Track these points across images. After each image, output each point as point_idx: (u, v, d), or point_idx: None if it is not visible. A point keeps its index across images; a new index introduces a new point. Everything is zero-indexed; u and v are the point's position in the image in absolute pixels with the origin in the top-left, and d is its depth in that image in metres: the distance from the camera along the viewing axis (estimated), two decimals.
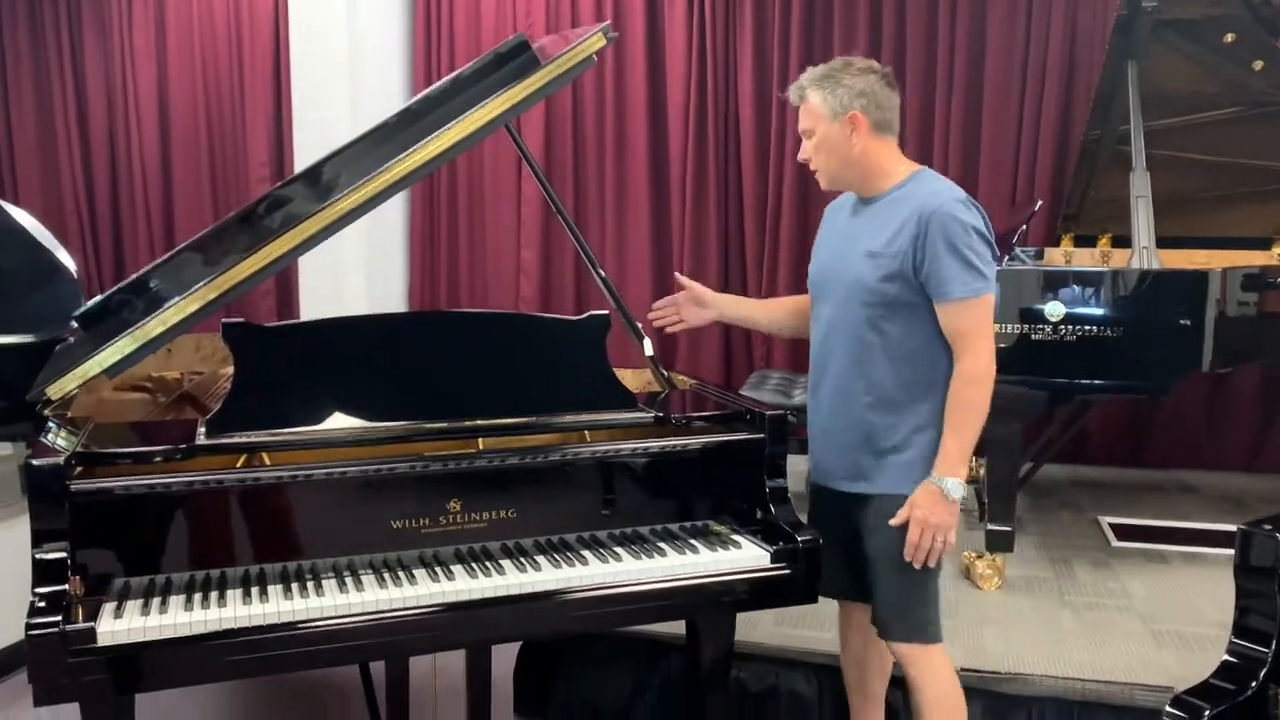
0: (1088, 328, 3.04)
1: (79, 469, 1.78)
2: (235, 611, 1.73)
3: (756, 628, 2.71)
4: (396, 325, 2.12)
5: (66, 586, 1.67)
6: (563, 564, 1.95)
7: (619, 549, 2.03)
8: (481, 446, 2.04)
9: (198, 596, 1.77)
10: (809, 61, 2.19)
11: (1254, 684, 1.76)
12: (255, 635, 1.71)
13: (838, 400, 2.13)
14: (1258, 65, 3.61)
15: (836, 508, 2.17)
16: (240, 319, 2.00)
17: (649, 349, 2.41)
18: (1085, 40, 4.59)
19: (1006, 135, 4.71)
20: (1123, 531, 3.73)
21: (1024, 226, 3.74)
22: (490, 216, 5.42)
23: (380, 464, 1.90)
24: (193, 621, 1.69)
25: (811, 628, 2.75)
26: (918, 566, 2.02)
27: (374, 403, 2.00)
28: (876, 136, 2.05)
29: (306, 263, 5.01)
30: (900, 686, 2.32)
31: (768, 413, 2.14)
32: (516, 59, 2.27)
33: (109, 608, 1.71)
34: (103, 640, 1.64)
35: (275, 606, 1.75)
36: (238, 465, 1.94)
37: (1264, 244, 4.09)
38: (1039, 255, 4.36)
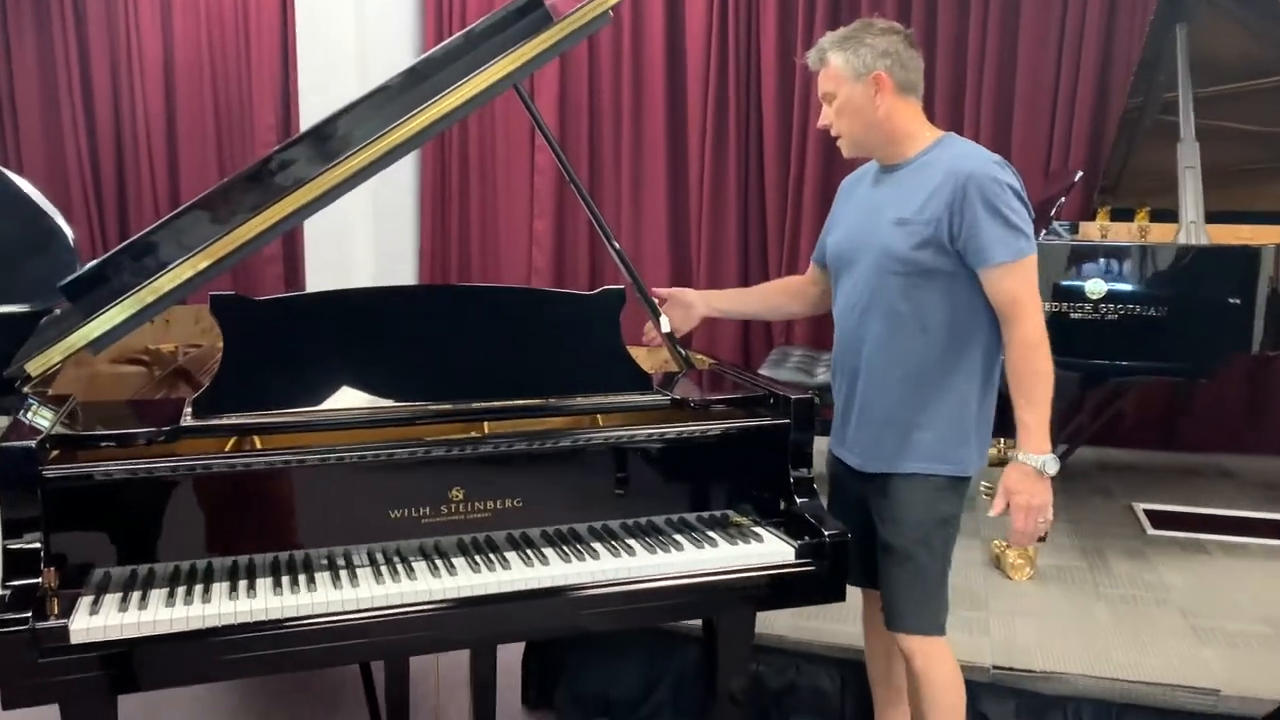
0: (1131, 306, 2.87)
1: (55, 452, 1.66)
2: (220, 608, 1.61)
3: (776, 620, 2.58)
4: (397, 300, 1.98)
5: (39, 580, 1.56)
6: (572, 557, 1.82)
7: (632, 541, 1.90)
8: (486, 431, 1.92)
9: (181, 590, 1.65)
10: (835, 26, 2.05)
11: None
12: (242, 634, 1.60)
13: (866, 375, 2.03)
14: None
15: (856, 490, 2.10)
16: (230, 292, 1.87)
17: (666, 326, 2.28)
18: (1126, 2, 4.37)
19: (1041, 103, 4.50)
20: (1158, 519, 3.57)
21: (1061, 199, 3.55)
22: (503, 185, 5.27)
23: (378, 449, 1.78)
24: (174, 619, 1.57)
25: (834, 620, 2.62)
26: (1020, 547, 1.91)
27: (372, 383, 1.87)
28: (901, 98, 1.96)
29: (313, 230, 4.90)
30: None
31: (793, 396, 2.00)
32: (531, 14, 2.17)
33: (85, 602, 1.60)
34: (76, 638, 1.52)
35: (263, 602, 1.63)
36: (225, 449, 1.82)
37: None
38: (1073, 229, 4.18)
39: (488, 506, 1.84)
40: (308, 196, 1.94)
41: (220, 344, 2.53)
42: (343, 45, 4.76)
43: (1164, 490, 3.94)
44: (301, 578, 1.71)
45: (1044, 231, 3.27)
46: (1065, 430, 3.74)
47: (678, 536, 1.93)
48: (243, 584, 1.68)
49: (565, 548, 1.86)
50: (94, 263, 2.26)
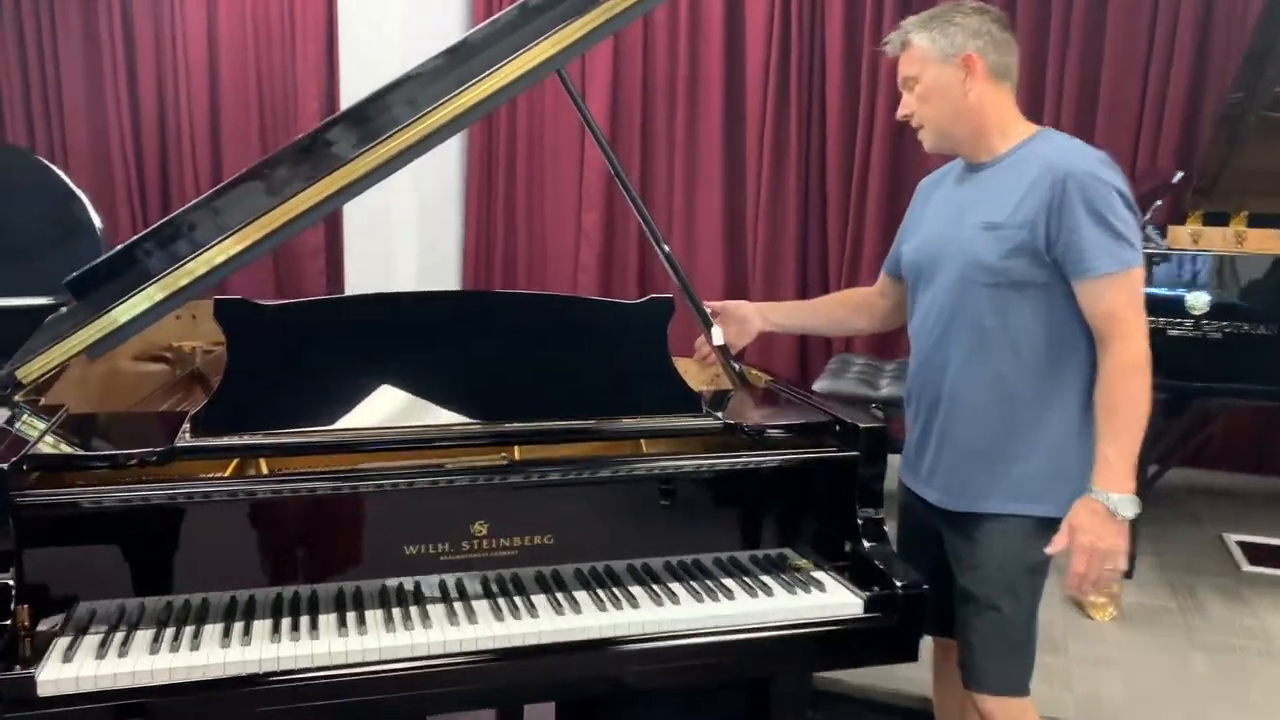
0: (1238, 324, 2.58)
1: (34, 475, 1.48)
2: (208, 657, 1.42)
3: None
4: (417, 307, 1.78)
5: (7, 622, 1.38)
6: (608, 604, 1.61)
7: (676, 586, 1.68)
8: (516, 457, 1.71)
9: (167, 634, 1.46)
10: (906, 11, 1.82)
11: None
12: (231, 689, 1.41)
13: (948, 401, 1.82)
14: None
15: (932, 526, 1.89)
16: (235, 296, 1.69)
17: (718, 338, 2.06)
18: None
19: (1129, 95, 4.16)
20: (1255, 553, 3.26)
21: (1158, 201, 3.25)
22: (550, 177, 5.07)
23: (395, 476, 1.58)
24: (155, 670, 1.39)
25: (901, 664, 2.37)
26: (1080, 598, 1.68)
27: (389, 401, 1.68)
28: (993, 84, 1.77)
29: (354, 221, 4.76)
30: None
31: (862, 424, 1.77)
32: None
33: (60, 646, 1.42)
34: (44, 690, 1.35)
35: (258, 652, 1.44)
36: (226, 473, 1.63)
37: None
38: (1161, 234, 3.86)
39: (514, 543, 1.64)
40: (349, 177, 1.80)
41: None
42: (387, 26, 4.61)
43: (1257, 519, 3.62)
44: (304, 621, 1.52)
45: None
46: (1154, 452, 3.44)
47: (728, 581, 1.71)
48: (237, 627, 1.50)
49: (600, 591, 1.64)
50: (106, 255, 2.09)
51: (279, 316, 1.69)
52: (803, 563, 1.77)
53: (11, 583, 1.40)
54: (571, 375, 1.78)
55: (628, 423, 1.78)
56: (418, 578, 1.60)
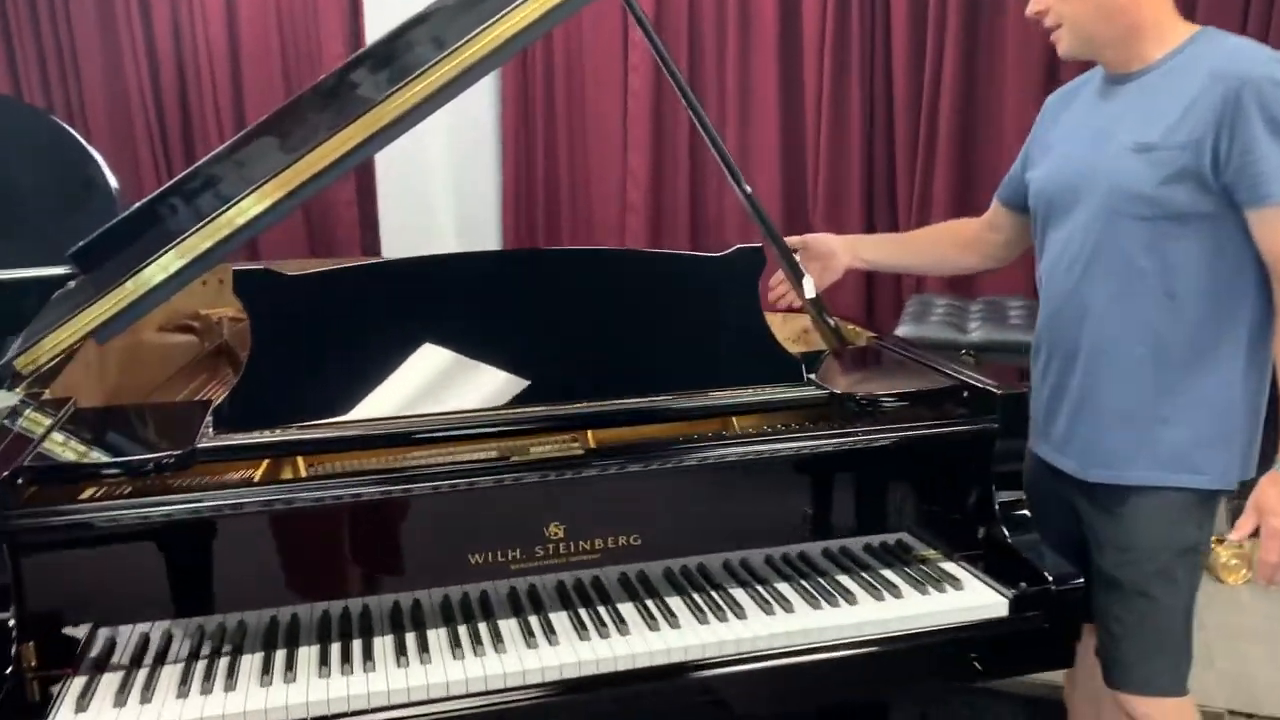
0: None
1: (31, 488, 1.26)
2: (246, 702, 1.20)
3: None
4: (469, 271, 1.53)
5: (9, 670, 1.17)
6: (710, 615, 1.37)
7: (785, 588, 1.43)
8: (593, 443, 1.46)
9: (198, 671, 1.24)
10: None
11: None
12: None
13: (1089, 354, 1.57)
14: None
15: (1066, 499, 1.64)
16: (258, 265, 1.44)
17: (810, 289, 1.78)
18: None
19: None
20: None
21: None
22: (593, 112, 4.74)
23: (455, 474, 1.34)
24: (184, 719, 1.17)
25: None
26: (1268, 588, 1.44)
27: (441, 384, 1.43)
28: None
29: (388, 169, 4.52)
30: None
31: (997, 390, 1.50)
32: None
33: (73, 690, 1.21)
34: None
35: (303, 692, 1.22)
36: (256, 476, 1.40)
37: None
38: None
39: (595, 546, 1.40)
40: (382, 121, 1.56)
41: None
42: None
43: None
44: (356, 646, 1.30)
45: None
46: None
47: (844, 580, 1.46)
48: (279, 657, 1.28)
49: (697, 596, 1.40)
50: (113, 221, 1.85)
51: (309, 288, 1.45)
52: (930, 553, 1.52)
53: (12, 622, 1.19)
54: (651, 345, 1.54)
55: (718, 397, 1.52)
56: (486, 585, 1.37)
